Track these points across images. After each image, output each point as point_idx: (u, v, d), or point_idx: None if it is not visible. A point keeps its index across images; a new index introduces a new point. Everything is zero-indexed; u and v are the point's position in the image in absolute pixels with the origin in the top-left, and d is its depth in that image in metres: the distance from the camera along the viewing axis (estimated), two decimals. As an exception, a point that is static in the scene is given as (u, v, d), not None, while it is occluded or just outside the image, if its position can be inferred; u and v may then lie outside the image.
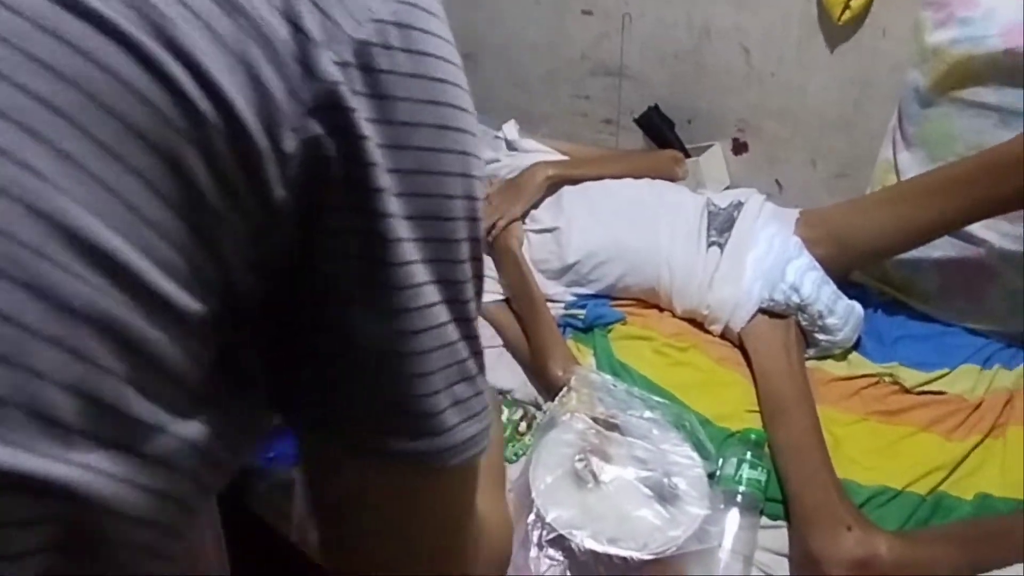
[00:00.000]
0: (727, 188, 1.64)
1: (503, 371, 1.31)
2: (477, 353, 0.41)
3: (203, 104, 0.29)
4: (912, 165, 1.30)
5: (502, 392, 1.30)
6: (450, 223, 0.38)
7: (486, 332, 1.36)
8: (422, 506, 0.42)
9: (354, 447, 0.38)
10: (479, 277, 0.42)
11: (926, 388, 1.22)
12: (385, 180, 0.34)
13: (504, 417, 1.27)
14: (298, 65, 0.31)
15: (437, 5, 0.38)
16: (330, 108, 0.32)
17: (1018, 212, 1.19)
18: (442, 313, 0.38)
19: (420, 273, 0.36)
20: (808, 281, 1.24)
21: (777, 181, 1.62)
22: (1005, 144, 1.09)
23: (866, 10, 1.34)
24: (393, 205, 0.34)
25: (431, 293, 0.37)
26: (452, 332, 0.39)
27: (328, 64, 0.32)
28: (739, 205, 1.38)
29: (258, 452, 1.18)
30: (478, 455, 0.41)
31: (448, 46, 0.37)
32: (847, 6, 1.34)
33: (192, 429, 0.33)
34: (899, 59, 1.31)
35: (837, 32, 1.38)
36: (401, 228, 0.35)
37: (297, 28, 0.31)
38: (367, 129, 0.33)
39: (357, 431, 0.38)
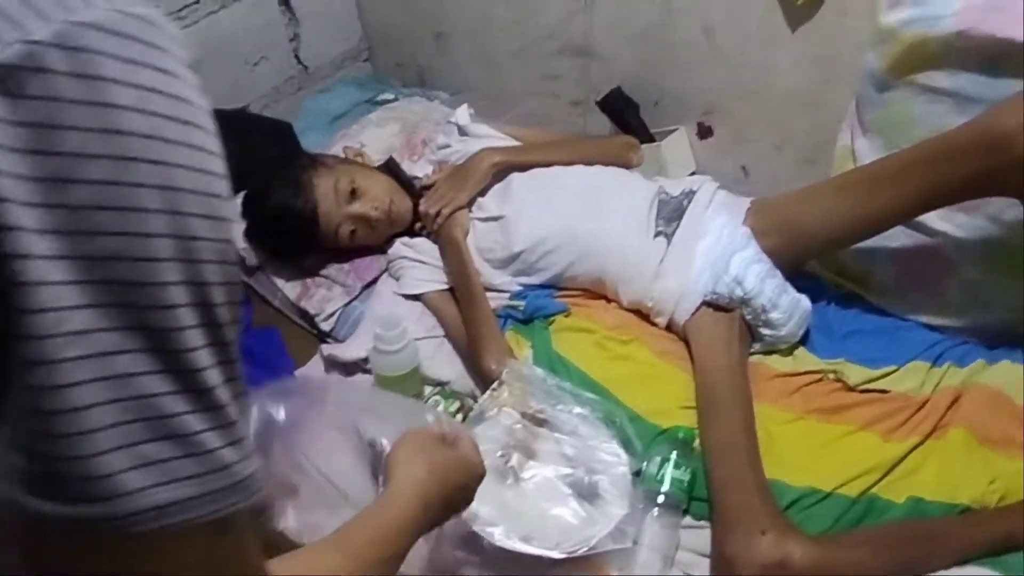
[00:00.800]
0: (693, 173, 1.60)
1: (442, 362, 1.30)
2: (210, 408, 0.37)
3: None
4: (870, 152, 1.24)
5: (440, 383, 1.29)
6: (145, 264, 0.35)
7: (428, 323, 1.35)
8: None
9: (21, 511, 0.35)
10: (212, 324, 0.38)
11: (870, 386, 1.18)
12: (24, 217, 0.31)
13: (440, 408, 1.26)
14: None
15: (138, 25, 0.35)
16: None
17: (975, 203, 1.13)
18: (130, 363, 0.35)
19: (82, 319, 0.33)
20: (752, 274, 1.20)
21: (743, 167, 1.57)
22: (952, 131, 1.04)
23: (825, -12, 1.28)
24: (36, 244, 0.32)
25: (105, 342, 0.34)
26: (148, 384, 0.35)
27: None
28: (691, 194, 1.33)
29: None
30: (198, 521, 0.37)
31: (142, 70, 0.34)
32: (805, -17, 1.28)
33: None
34: (861, 39, 1.25)
35: (798, 10, 1.32)
36: (51, 270, 0.32)
37: None
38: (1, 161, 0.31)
39: (21, 492, 0.35)
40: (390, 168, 1.45)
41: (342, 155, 1.49)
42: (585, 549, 0.99)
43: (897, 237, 1.24)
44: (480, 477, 0.82)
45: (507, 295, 1.35)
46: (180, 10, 1.62)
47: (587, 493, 1.06)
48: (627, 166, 1.43)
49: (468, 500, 0.82)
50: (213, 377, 0.38)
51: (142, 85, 0.34)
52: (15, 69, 0.31)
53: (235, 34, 1.72)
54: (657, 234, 1.30)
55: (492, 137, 1.46)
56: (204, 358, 0.37)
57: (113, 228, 0.34)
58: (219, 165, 0.38)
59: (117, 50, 0.34)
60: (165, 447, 0.36)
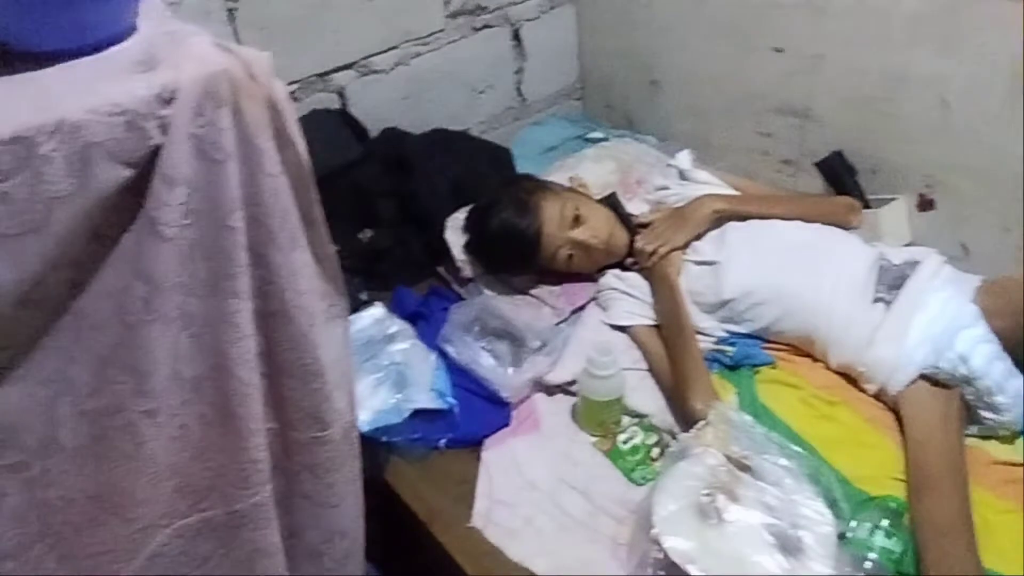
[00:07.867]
0: (908, 244, 1.57)
1: (645, 394, 1.33)
2: None
3: None
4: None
5: (640, 415, 1.32)
6: None
7: (633, 355, 1.39)
8: None
9: None
10: None
11: (1102, 490, 1.12)
12: None
13: (639, 440, 1.29)
14: None
15: None
16: None
17: None
18: None
19: None
20: (979, 353, 1.17)
21: (963, 245, 1.53)
22: None
23: (1088, 73, 1.24)
24: None
25: None
26: None
27: None
28: (914, 263, 1.32)
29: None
30: None
31: None
32: (1066, 66, 1.25)
33: None
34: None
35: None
36: None
37: None
38: None
39: None
40: (611, 202, 1.51)
41: (567, 184, 1.57)
42: (785, 602, 0.99)
43: None
44: None
45: (713, 339, 1.37)
46: (426, 36, 1.76)
47: (790, 547, 1.06)
48: (846, 227, 1.42)
49: None
50: None
51: None
52: None
53: (469, 62, 1.86)
54: (877, 300, 1.29)
55: (712, 184, 1.50)
56: None
57: None
58: None
59: None
60: None
